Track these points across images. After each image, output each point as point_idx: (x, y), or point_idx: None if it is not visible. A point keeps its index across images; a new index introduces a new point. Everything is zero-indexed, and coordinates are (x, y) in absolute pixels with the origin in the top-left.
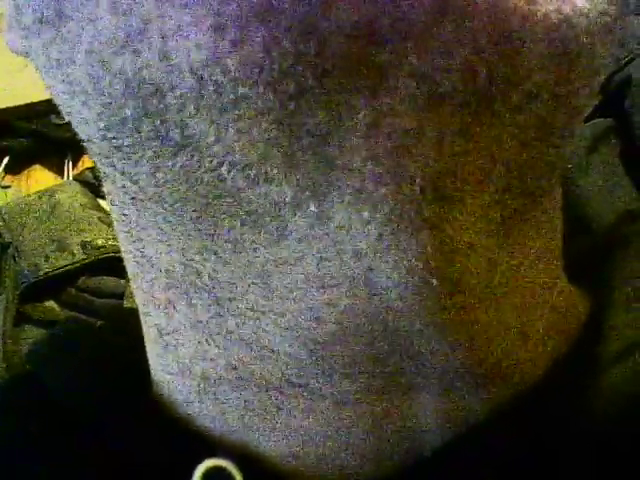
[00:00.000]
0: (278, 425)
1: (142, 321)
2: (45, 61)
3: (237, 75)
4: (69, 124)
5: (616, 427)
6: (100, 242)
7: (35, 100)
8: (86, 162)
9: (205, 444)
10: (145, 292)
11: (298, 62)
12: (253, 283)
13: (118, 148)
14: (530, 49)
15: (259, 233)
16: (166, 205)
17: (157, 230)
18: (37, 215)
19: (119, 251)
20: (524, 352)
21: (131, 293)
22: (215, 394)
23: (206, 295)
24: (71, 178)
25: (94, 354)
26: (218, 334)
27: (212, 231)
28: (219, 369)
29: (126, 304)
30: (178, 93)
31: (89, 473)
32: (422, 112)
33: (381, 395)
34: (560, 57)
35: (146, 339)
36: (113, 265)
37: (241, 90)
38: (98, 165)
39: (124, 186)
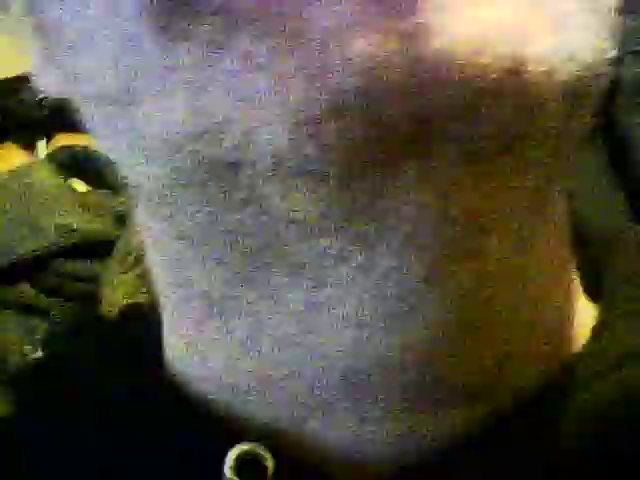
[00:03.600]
0: (304, 433)
1: (166, 326)
2: (103, 125)
3: (313, 157)
4: (41, 102)
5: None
6: (75, 226)
7: (4, 77)
8: (60, 140)
9: (233, 433)
10: (175, 305)
11: (365, 144)
12: (287, 321)
13: (176, 202)
14: (550, 107)
15: (298, 281)
16: (214, 249)
17: (199, 263)
18: (10, 197)
19: (93, 235)
20: (530, 346)
21: (107, 280)
22: (244, 403)
23: (243, 320)
24: (43, 157)
25: (111, 342)
26: (251, 355)
27: (253, 275)
28: (250, 383)
29: (103, 290)
30: (255, 169)
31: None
32: (462, 167)
33: (405, 413)
34: (574, 102)
35: (169, 341)
36: (88, 249)
37: (315, 166)
38: (141, 207)
39: (170, 228)
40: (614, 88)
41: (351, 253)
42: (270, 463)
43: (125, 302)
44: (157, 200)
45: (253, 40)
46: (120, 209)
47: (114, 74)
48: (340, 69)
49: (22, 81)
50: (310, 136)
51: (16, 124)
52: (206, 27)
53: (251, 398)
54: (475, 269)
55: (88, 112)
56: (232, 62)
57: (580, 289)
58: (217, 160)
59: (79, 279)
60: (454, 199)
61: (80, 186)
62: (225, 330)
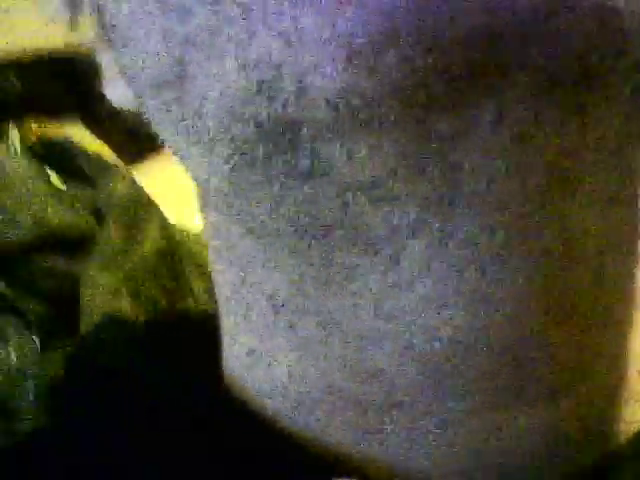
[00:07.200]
0: (378, 444)
1: (228, 337)
2: (164, 117)
3: (373, 97)
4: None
5: None
6: (54, 220)
7: None
8: (34, 131)
9: (295, 453)
10: (238, 314)
11: (428, 74)
12: (363, 309)
13: (242, 188)
14: (631, 25)
15: (374, 260)
16: (283, 237)
17: (267, 260)
18: None
19: (69, 231)
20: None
21: (88, 281)
22: (311, 414)
23: (311, 319)
24: (18, 147)
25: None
26: (320, 356)
27: (326, 261)
28: (317, 391)
29: (83, 290)
30: (313, 124)
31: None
32: (541, 99)
33: (487, 413)
34: None
35: (230, 354)
36: (66, 245)
37: (376, 110)
38: (210, 206)
39: (239, 222)
40: None
41: (426, 222)
42: None
43: (105, 307)
44: (224, 192)
45: None
46: (98, 205)
47: (166, 50)
48: None
49: None
50: (368, 70)
51: None
52: None
53: (317, 411)
54: (559, 232)
55: (150, 108)
56: (276, 3)
57: None
58: (276, 122)
59: (55, 276)
60: (534, 140)
61: (57, 180)
62: (291, 332)
